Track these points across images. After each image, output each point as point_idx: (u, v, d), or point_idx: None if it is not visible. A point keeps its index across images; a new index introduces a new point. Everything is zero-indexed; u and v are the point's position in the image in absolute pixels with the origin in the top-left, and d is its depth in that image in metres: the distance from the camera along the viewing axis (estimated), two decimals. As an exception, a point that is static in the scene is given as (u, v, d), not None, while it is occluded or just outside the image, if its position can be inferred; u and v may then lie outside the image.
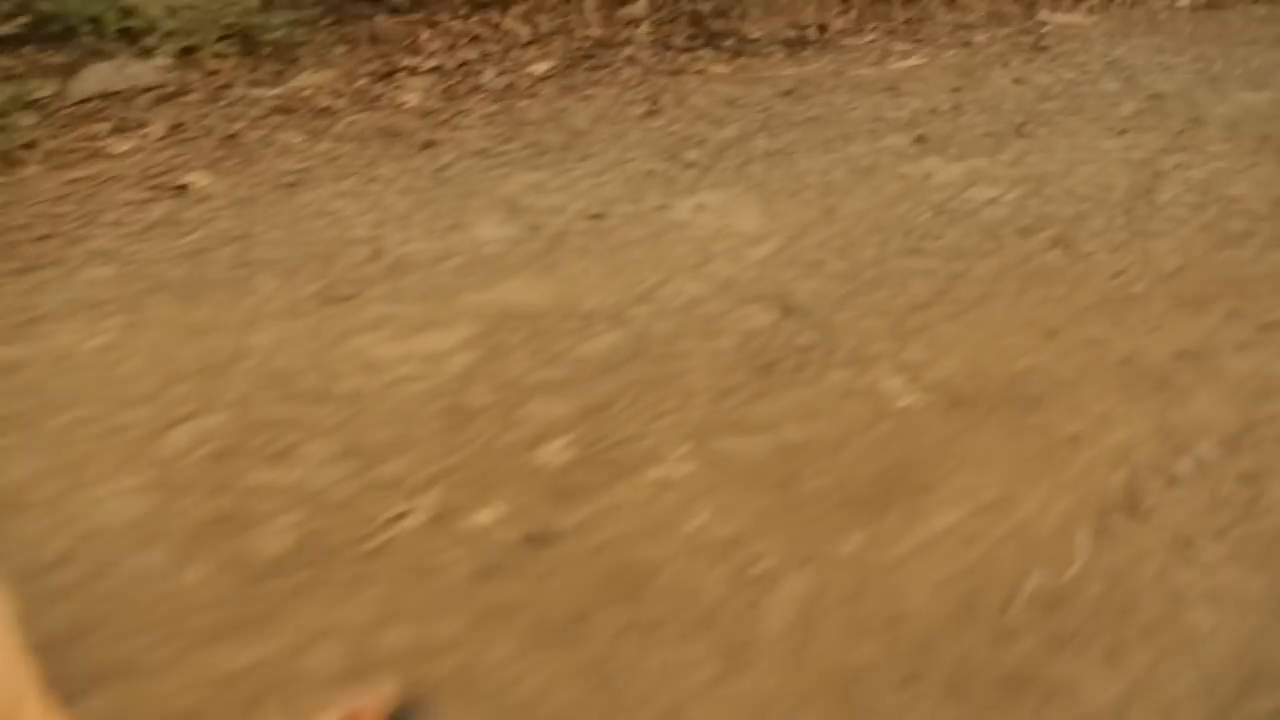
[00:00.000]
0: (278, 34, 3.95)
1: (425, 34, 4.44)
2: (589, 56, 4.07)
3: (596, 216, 2.33)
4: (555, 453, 1.47)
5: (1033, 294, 1.93)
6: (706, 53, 4.05)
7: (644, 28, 4.44)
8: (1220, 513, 1.31)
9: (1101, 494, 1.34)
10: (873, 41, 4.12)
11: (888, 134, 2.89)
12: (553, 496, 1.37)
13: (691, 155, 2.73)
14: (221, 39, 3.89)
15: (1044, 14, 4.45)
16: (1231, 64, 3.66)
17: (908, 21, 4.39)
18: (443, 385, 1.66)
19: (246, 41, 4.02)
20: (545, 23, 4.49)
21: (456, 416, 1.57)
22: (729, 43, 4.13)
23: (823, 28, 4.24)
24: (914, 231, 2.21)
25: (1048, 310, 1.87)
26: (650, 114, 3.20)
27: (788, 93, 3.36)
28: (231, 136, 3.02)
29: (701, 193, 2.48)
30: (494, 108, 3.41)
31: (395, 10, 4.37)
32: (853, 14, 4.45)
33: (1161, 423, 1.52)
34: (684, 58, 3.99)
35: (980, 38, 4.08)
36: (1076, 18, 4.41)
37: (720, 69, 3.79)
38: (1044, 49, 3.90)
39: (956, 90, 3.37)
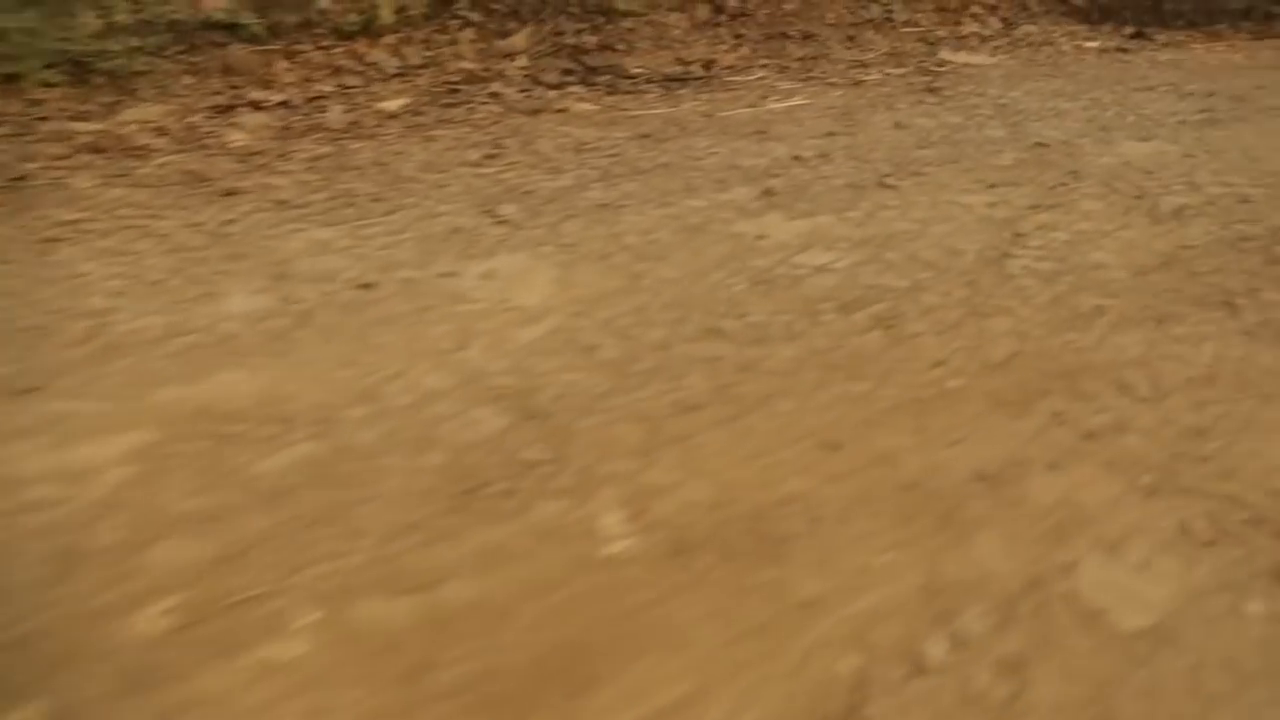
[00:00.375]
0: (115, 63, 3.57)
1: (282, 65, 4.06)
2: (452, 92, 3.73)
3: (366, 286, 1.98)
4: (151, 620, 1.10)
5: (830, 390, 1.58)
6: (578, 89, 3.71)
7: (520, 61, 4.11)
8: None
9: (816, 695, 0.99)
10: (759, 79, 3.81)
11: (736, 185, 2.56)
12: (118, 687, 1.00)
13: (509, 209, 2.39)
14: (50, 66, 3.50)
15: (945, 53, 4.16)
16: (1125, 111, 3.38)
17: (803, 59, 4.09)
18: (71, 516, 1.29)
19: (79, 70, 3.63)
20: (415, 55, 4.14)
21: (63, 563, 1.21)
22: (604, 79, 3.80)
23: (708, 64, 3.92)
24: (720, 306, 1.87)
25: (841, 413, 1.52)
26: (489, 158, 2.86)
27: (646, 135, 3.03)
28: (20, 178, 2.65)
29: (500, 256, 2.13)
30: (325, 149, 3.05)
31: (253, 39, 3.99)
32: (744, 50, 4.13)
33: (929, 579, 1.18)
34: (551, 95, 3.65)
35: (873, 77, 3.78)
36: (978, 58, 4.12)
37: (586, 107, 3.46)
38: (936, 90, 3.60)
39: (830, 135, 3.05)
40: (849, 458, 1.44)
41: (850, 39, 4.36)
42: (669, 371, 1.67)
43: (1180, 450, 1.50)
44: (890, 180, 2.64)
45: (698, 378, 1.65)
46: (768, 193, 2.52)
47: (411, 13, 4.21)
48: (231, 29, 4.01)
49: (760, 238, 2.24)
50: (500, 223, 2.35)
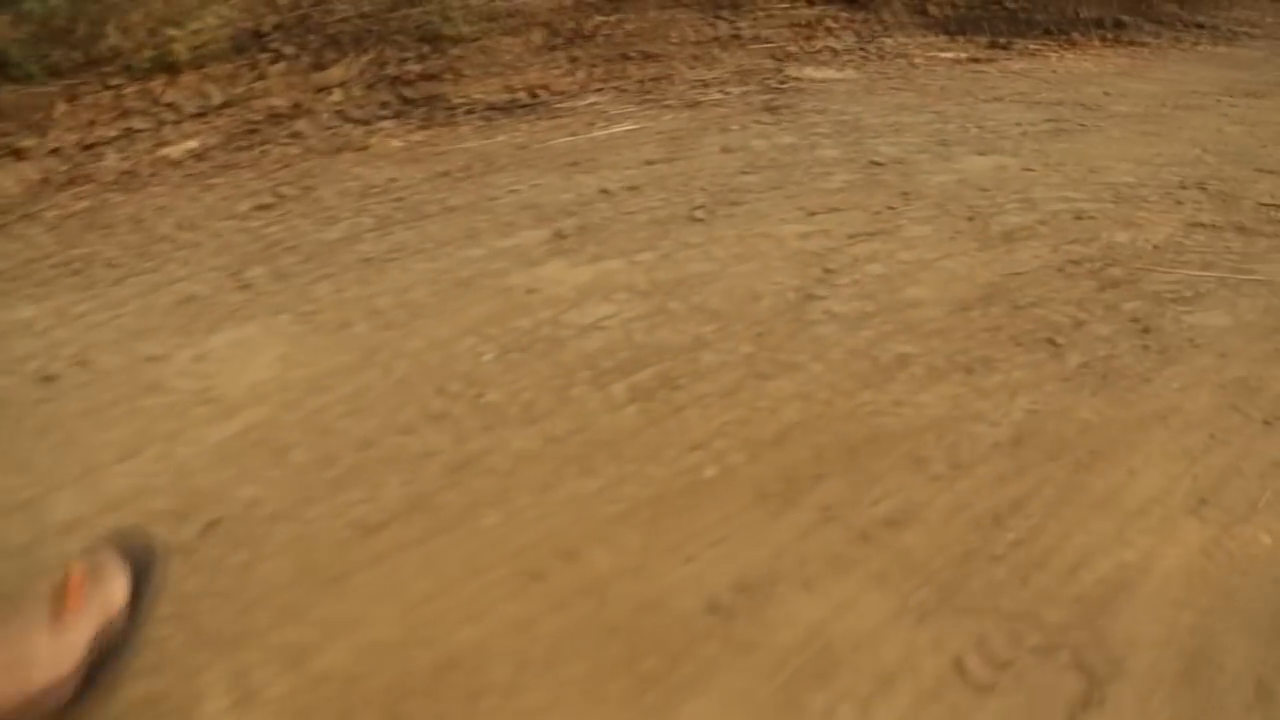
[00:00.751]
0: None
1: (61, 108, 3.57)
2: (249, 133, 3.28)
3: (48, 379, 1.56)
4: None
5: (556, 493, 1.22)
6: (389, 124, 3.32)
7: (335, 95, 3.69)
8: None
9: None
10: (590, 105, 3.46)
11: (526, 228, 2.20)
12: None
13: (257, 272, 1.98)
14: None
15: (793, 69, 3.87)
16: (968, 124, 3.13)
17: (643, 81, 3.76)
18: None
19: None
20: (220, 93, 3.68)
21: None
22: (421, 111, 3.40)
23: (536, 91, 3.56)
24: (456, 383, 1.49)
25: (560, 525, 1.16)
26: (260, 209, 2.44)
27: (445, 174, 2.65)
28: None
29: (226, 330, 1.73)
30: (82, 205, 2.60)
31: (27, 78, 3.50)
32: (581, 74, 3.78)
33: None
34: (360, 131, 3.24)
35: (713, 97, 3.46)
36: (826, 73, 3.86)
37: (393, 144, 3.07)
38: (776, 109, 3.30)
39: (649, 163, 2.71)
40: (552, 590, 1.08)
41: (696, 58, 4.07)
42: (364, 478, 1.29)
43: (970, 547, 1.18)
44: (700, 213, 2.31)
45: (396, 485, 1.27)
46: (558, 236, 2.16)
47: (214, 47, 3.77)
48: (1, 68, 3.51)
49: (532, 291, 1.88)
50: (242, 288, 1.95)
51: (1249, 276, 2.03)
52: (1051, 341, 1.72)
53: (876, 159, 2.77)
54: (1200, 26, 5.29)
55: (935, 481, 1.32)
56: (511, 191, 2.51)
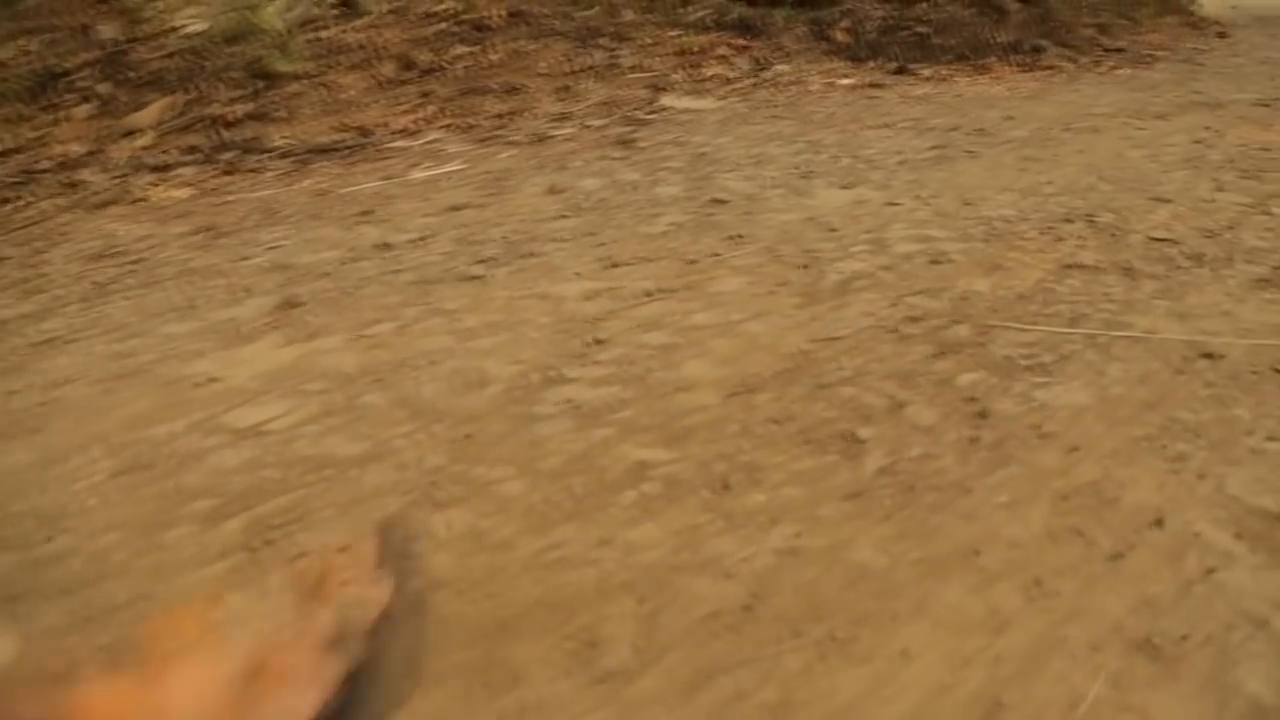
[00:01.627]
0: None
1: None
2: (20, 184, 2.76)
3: None
4: None
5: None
6: (190, 170, 2.81)
7: (144, 139, 3.18)
8: None
9: None
10: (428, 144, 2.98)
11: (258, 295, 1.71)
12: None
13: None
14: None
15: (667, 100, 3.41)
16: (843, 153, 2.66)
17: (499, 116, 3.28)
18: None
19: None
20: (9, 137, 3.17)
21: None
22: (231, 155, 2.90)
23: (372, 130, 3.06)
24: (30, 520, 0.97)
25: None
26: None
27: (209, 229, 2.15)
28: None
29: None
30: None
31: None
32: (430, 110, 3.29)
33: None
34: (148, 179, 2.73)
35: (565, 131, 2.98)
36: (702, 103, 3.39)
37: (179, 193, 2.57)
38: (631, 143, 2.82)
39: (455, 209, 2.23)
40: None
41: (565, 89, 3.60)
42: None
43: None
44: (481, 268, 1.82)
45: None
46: (287, 304, 1.66)
47: (11, 85, 3.26)
48: None
49: (210, 381, 1.38)
50: None
51: (1124, 333, 1.54)
52: (851, 437, 1.22)
53: (721, 196, 2.29)
54: (1120, 50, 4.91)
55: (598, 686, 0.80)
56: (271, 249, 2.00)
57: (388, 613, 0.78)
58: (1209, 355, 1.49)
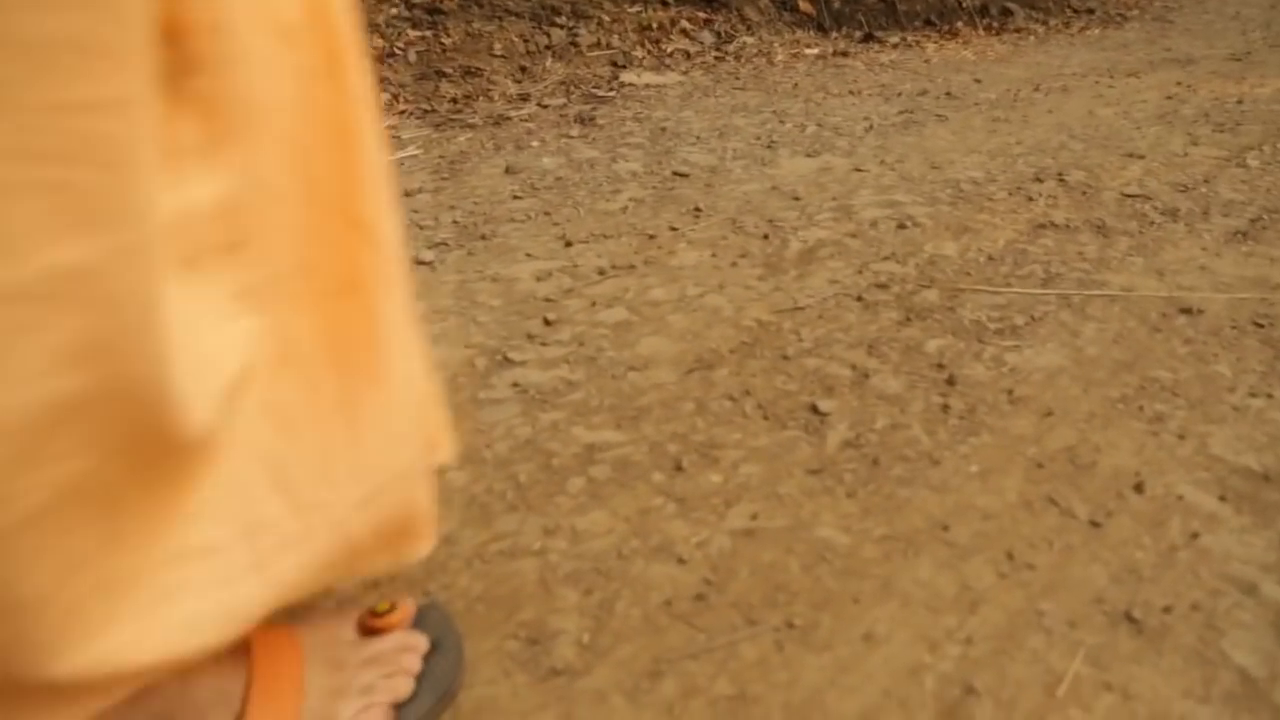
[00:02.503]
0: None
1: None
2: None
3: None
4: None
5: None
6: None
7: None
8: None
9: None
10: (384, 131, 2.81)
11: None
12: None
13: None
14: None
15: (629, 76, 3.30)
16: (808, 122, 2.58)
17: (455, 100, 3.16)
18: None
19: None
20: None
21: None
22: None
23: None
24: None
25: None
26: None
27: None
28: None
29: None
30: None
31: None
32: (384, 97, 3.17)
33: None
34: None
35: (527, 111, 2.88)
36: (665, 78, 3.29)
37: None
38: (590, 121, 2.72)
39: (410, 194, 2.13)
40: None
41: (523, 70, 3.48)
42: None
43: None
44: (433, 253, 1.73)
45: None
46: None
47: None
48: None
49: None
50: None
51: (1099, 291, 1.47)
52: (814, 409, 1.15)
53: (682, 170, 2.20)
54: (1090, 11, 4.84)
55: (543, 683, 0.72)
56: None
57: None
58: (1187, 311, 1.42)
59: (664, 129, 2.71)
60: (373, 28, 3.61)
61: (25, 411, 0.40)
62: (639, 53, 3.80)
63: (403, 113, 3.19)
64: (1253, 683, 0.78)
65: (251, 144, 0.52)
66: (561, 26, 3.85)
